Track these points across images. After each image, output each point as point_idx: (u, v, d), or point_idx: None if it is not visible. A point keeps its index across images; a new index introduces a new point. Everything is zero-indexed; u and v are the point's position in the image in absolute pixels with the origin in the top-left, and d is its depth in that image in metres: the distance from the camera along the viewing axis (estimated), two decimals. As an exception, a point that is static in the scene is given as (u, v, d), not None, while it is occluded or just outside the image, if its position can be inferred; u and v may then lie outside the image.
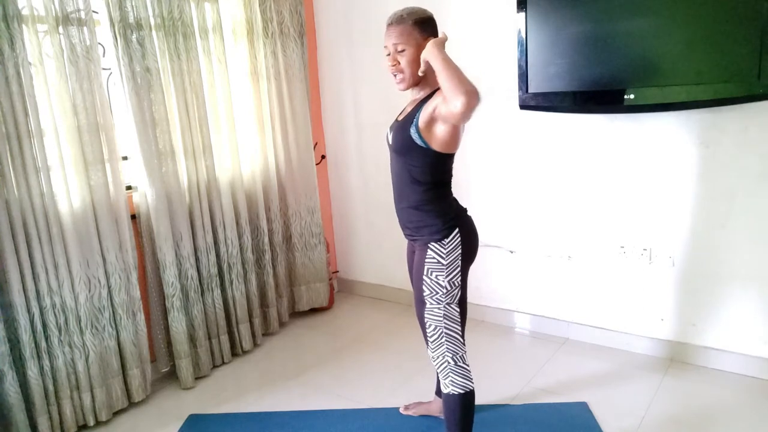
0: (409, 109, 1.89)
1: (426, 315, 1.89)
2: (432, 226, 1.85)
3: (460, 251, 1.85)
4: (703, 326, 2.64)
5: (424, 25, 1.78)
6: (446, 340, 1.88)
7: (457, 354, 1.90)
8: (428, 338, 1.92)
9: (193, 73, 2.71)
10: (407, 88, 1.87)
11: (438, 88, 1.82)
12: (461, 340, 1.92)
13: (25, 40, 2.16)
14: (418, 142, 1.79)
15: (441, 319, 1.87)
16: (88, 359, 2.41)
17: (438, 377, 2.04)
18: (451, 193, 1.92)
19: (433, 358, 1.93)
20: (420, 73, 1.80)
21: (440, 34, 1.78)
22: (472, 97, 1.58)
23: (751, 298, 2.50)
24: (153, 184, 2.58)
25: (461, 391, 1.89)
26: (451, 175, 1.91)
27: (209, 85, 2.82)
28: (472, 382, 1.91)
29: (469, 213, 1.95)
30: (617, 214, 2.75)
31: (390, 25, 1.80)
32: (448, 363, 1.89)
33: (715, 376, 2.57)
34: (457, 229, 1.85)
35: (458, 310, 1.89)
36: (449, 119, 1.70)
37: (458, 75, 1.62)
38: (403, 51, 1.79)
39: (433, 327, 1.89)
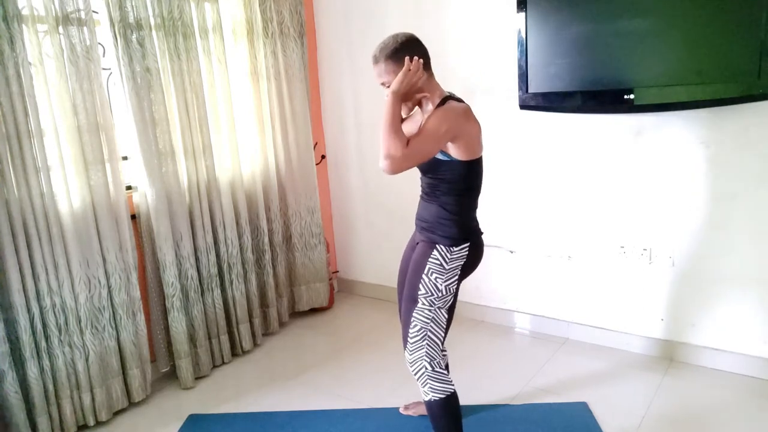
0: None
1: (414, 314, 1.89)
2: (448, 229, 1.86)
3: (463, 263, 1.88)
4: (703, 326, 2.64)
5: (397, 56, 1.78)
6: (427, 343, 1.88)
7: (435, 360, 1.89)
8: (409, 339, 1.91)
9: (193, 73, 2.71)
10: (410, 112, 1.92)
11: (441, 101, 1.83)
12: (441, 346, 1.92)
13: (25, 40, 2.15)
14: (440, 156, 1.80)
15: (428, 321, 1.88)
16: (88, 359, 2.41)
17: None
18: (476, 208, 1.94)
19: (410, 362, 1.91)
20: (418, 95, 1.84)
21: (405, 62, 1.75)
22: (388, 164, 1.69)
23: (751, 298, 2.50)
24: (153, 184, 2.58)
25: (443, 396, 1.88)
26: (481, 180, 1.91)
27: (209, 85, 2.82)
28: (452, 385, 1.91)
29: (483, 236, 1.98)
30: (617, 214, 2.75)
31: (373, 66, 1.84)
32: (426, 369, 1.89)
33: (715, 376, 2.57)
34: (468, 243, 1.88)
35: (446, 316, 1.91)
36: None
37: (386, 137, 1.69)
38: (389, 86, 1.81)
39: (418, 327, 1.88)
